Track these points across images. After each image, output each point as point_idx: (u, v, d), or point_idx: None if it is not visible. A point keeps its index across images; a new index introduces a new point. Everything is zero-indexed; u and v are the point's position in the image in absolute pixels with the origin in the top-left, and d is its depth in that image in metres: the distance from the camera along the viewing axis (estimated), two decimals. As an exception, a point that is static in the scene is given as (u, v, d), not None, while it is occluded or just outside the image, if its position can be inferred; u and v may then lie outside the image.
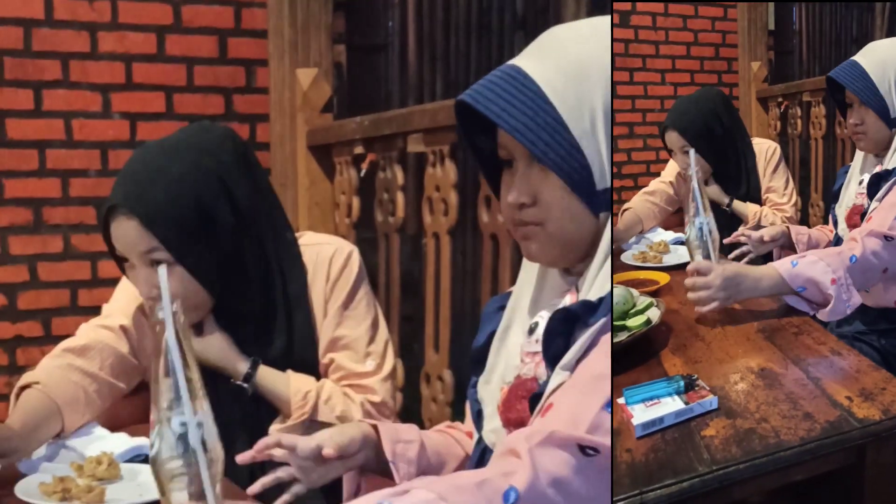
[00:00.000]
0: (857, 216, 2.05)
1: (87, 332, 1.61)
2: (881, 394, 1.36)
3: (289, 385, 1.48)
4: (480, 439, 1.09)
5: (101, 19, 2.95)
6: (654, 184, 3.05)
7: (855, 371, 1.47)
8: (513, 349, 1.07)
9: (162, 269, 1.02)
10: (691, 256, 1.80)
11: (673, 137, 2.77)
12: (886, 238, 1.82)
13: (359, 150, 2.63)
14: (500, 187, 1.06)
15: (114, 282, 3.02)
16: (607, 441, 0.88)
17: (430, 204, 2.28)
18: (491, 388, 1.08)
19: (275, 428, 1.48)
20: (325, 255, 1.54)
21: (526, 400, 0.99)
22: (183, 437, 0.97)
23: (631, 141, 4.76)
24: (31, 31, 2.88)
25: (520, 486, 0.85)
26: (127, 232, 1.42)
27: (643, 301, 1.72)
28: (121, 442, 1.45)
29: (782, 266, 1.76)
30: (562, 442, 0.88)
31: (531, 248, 1.03)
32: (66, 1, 2.90)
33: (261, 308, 1.50)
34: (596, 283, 0.97)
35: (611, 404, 0.90)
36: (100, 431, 1.51)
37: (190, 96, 3.07)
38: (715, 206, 2.84)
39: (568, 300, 1.02)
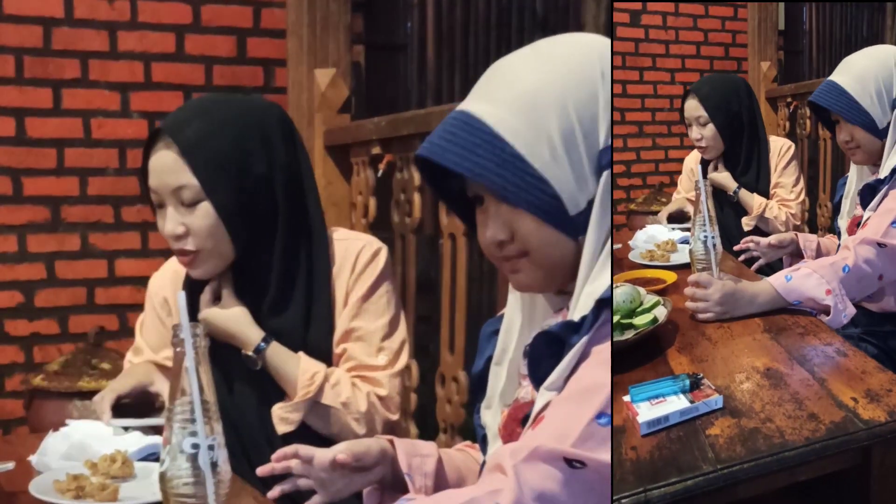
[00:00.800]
0: (856, 226, 2.06)
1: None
2: (887, 395, 1.36)
3: (298, 365, 1.49)
4: (485, 463, 1.09)
5: (121, 18, 2.98)
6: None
7: (861, 372, 1.47)
8: (511, 372, 1.06)
9: (181, 295, 1.05)
10: (692, 267, 1.83)
11: (692, 105, 2.80)
12: (879, 245, 1.82)
13: (376, 150, 2.64)
14: (476, 224, 1.05)
15: (130, 280, 3.10)
16: (596, 454, 0.87)
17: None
18: (492, 413, 1.09)
19: (277, 407, 1.49)
20: (354, 248, 1.56)
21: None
22: (193, 458, 0.99)
23: (640, 140, 4.78)
24: (51, 30, 2.91)
25: (505, 503, 0.86)
26: (164, 162, 1.43)
27: (650, 300, 1.73)
28: (135, 440, 1.46)
29: (776, 281, 1.77)
30: (546, 456, 0.87)
31: (520, 280, 1.02)
32: (86, 0, 2.94)
33: (281, 282, 1.51)
34: (580, 302, 0.96)
35: (604, 415, 0.88)
36: (114, 429, 1.51)
37: (217, 94, 3.09)
38: (720, 193, 2.87)
39: (560, 320, 1.02)
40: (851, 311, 1.76)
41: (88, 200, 2.99)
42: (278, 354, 1.49)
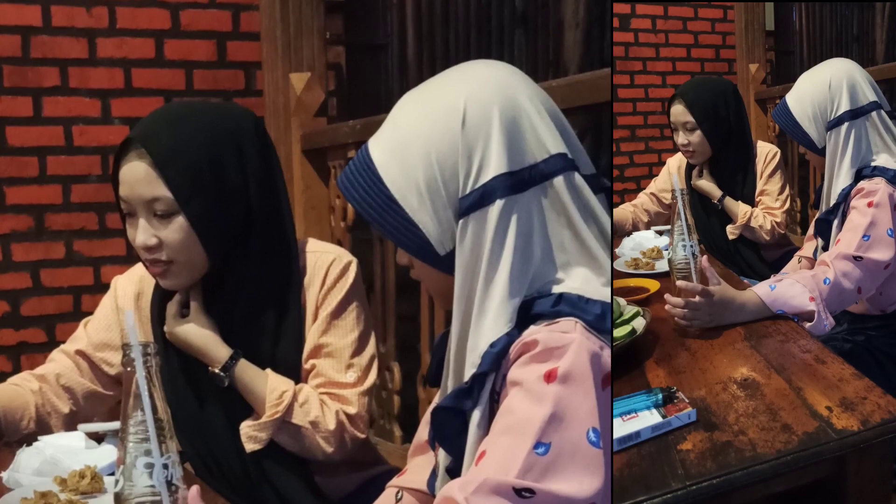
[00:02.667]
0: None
1: (54, 357, 1.66)
2: (862, 403, 1.36)
3: (266, 383, 1.47)
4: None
5: (99, 25, 2.97)
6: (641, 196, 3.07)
7: (838, 380, 1.47)
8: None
9: (129, 314, 1.04)
10: (672, 276, 1.83)
11: (679, 110, 2.77)
12: (855, 258, 1.86)
13: (352, 153, 2.64)
14: None
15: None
16: (542, 483, 0.87)
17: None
18: None
19: (246, 425, 1.48)
20: (324, 261, 1.54)
21: None
22: (148, 478, 0.99)
23: (633, 144, 4.76)
24: (30, 39, 2.89)
25: None
26: (136, 173, 1.40)
27: (629, 310, 1.72)
28: (106, 455, 1.44)
29: (761, 290, 1.79)
30: (495, 488, 0.87)
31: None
32: (64, 8, 2.92)
33: (253, 295, 1.49)
34: (467, 359, 0.97)
35: (541, 445, 0.88)
36: (87, 443, 1.50)
37: (189, 100, 3.09)
38: (707, 200, 2.85)
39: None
40: (832, 321, 1.78)
41: (72, 208, 2.97)
42: (246, 372, 1.48)
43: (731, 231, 2.84)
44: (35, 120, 2.92)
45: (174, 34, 3.06)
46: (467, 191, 0.95)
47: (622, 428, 1.25)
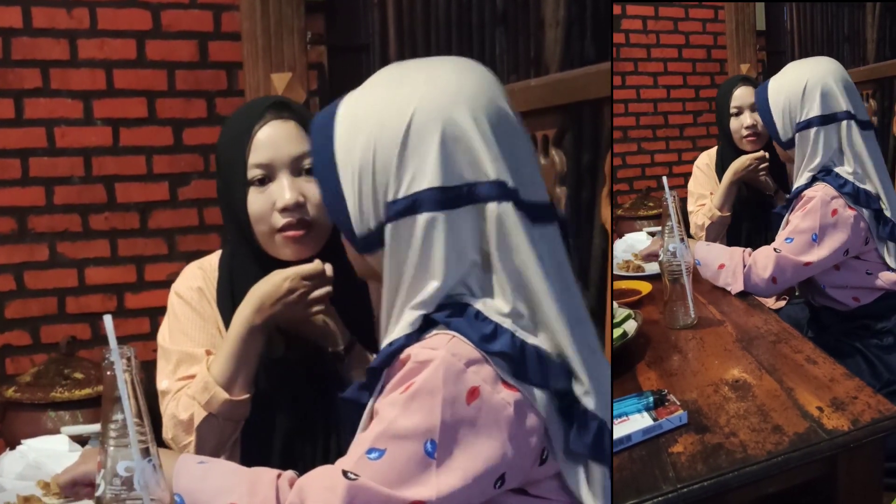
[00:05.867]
0: None
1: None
2: (852, 403, 1.36)
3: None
4: None
5: (81, 27, 2.94)
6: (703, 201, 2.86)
7: (829, 380, 1.47)
8: None
9: (108, 318, 1.03)
10: (663, 278, 1.83)
11: (745, 91, 2.65)
12: (775, 250, 2.02)
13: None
14: None
15: (100, 288, 3.05)
16: (363, 473, 0.93)
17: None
18: None
19: None
20: None
21: None
22: (129, 481, 0.98)
23: (626, 145, 4.75)
24: (10, 41, 2.87)
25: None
26: (281, 132, 1.40)
27: (621, 313, 1.71)
28: (88, 458, 1.43)
29: (701, 245, 2.16)
30: (326, 472, 0.97)
31: None
32: (45, 9, 2.90)
33: (347, 288, 1.41)
34: (380, 352, 1.00)
35: (374, 450, 0.93)
36: (67, 447, 1.49)
37: (172, 101, 3.07)
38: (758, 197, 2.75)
39: None
40: (739, 287, 2.03)
41: (55, 210, 2.94)
42: (362, 353, 1.42)
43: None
44: (17, 122, 2.89)
45: (155, 35, 3.04)
46: (399, 196, 0.97)
47: (613, 431, 1.23)
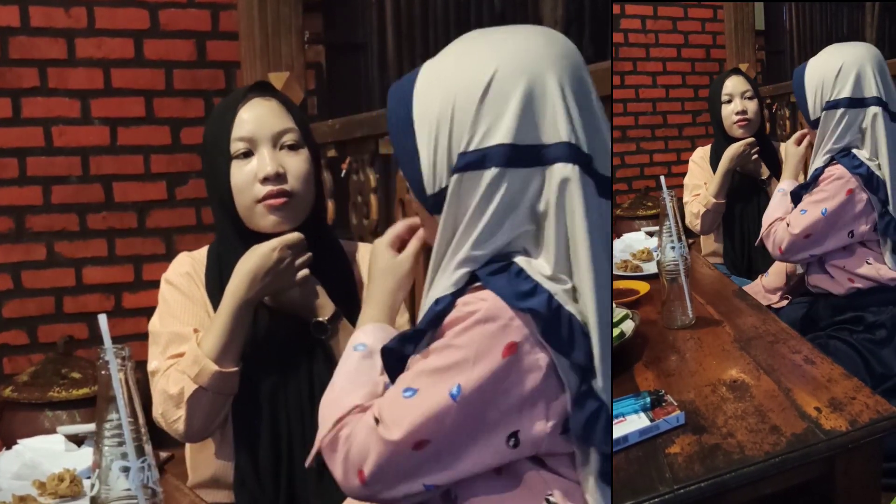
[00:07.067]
0: None
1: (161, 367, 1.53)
2: (850, 403, 1.35)
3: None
4: None
5: (78, 26, 2.94)
6: (698, 191, 2.93)
7: (826, 380, 1.46)
8: None
9: (102, 318, 1.03)
10: (661, 278, 1.82)
11: (737, 80, 2.80)
12: (785, 222, 2.09)
13: (331, 153, 2.63)
14: None
15: (97, 288, 3.05)
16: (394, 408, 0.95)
17: (402, 206, 2.27)
18: None
19: None
20: (365, 249, 1.57)
21: None
22: (125, 481, 0.98)
23: (624, 144, 4.75)
24: (8, 40, 2.87)
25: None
26: (265, 109, 1.47)
27: (618, 313, 1.71)
28: (84, 458, 1.41)
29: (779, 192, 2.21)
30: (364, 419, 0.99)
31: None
32: (43, 8, 2.90)
33: (327, 265, 1.49)
34: (424, 307, 1.01)
35: (409, 389, 0.95)
36: (63, 447, 1.48)
37: (169, 100, 3.07)
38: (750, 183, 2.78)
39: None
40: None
41: (52, 209, 2.94)
42: (346, 327, 1.45)
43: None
44: (14, 121, 2.89)
45: (153, 34, 3.04)
46: (470, 148, 0.96)
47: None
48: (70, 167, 2.96)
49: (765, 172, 2.79)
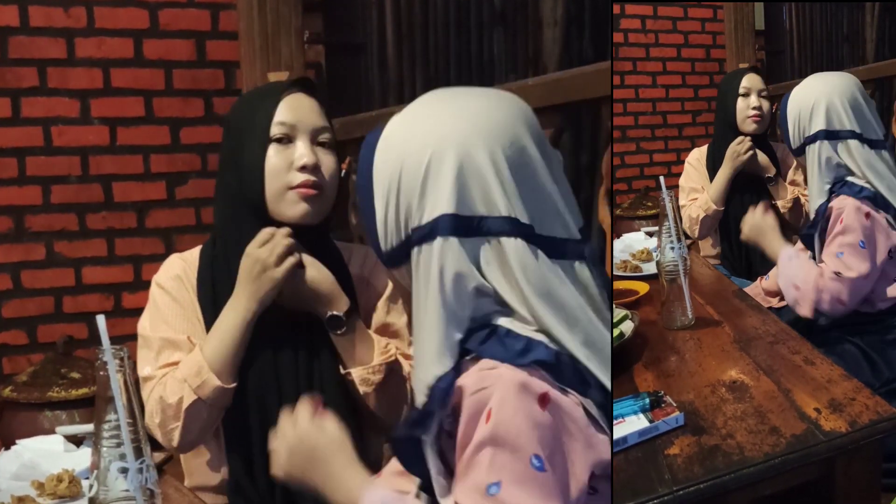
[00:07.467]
0: None
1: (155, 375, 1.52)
2: (850, 404, 1.35)
3: (370, 334, 1.48)
4: None
5: (78, 25, 2.93)
6: (695, 195, 2.91)
7: (826, 381, 1.46)
8: None
9: (100, 318, 1.03)
10: (660, 278, 1.82)
11: (756, 78, 2.80)
12: (836, 274, 1.95)
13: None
14: None
15: (97, 288, 3.05)
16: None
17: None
18: None
19: (360, 369, 1.44)
20: (361, 251, 1.59)
21: None
22: (123, 482, 0.99)
23: (624, 144, 4.74)
24: (7, 39, 2.86)
25: None
26: (306, 104, 1.49)
27: (618, 314, 1.71)
28: (83, 458, 1.42)
29: (787, 250, 2.08)
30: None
31: None
32: (42, 8, 2.88)
33: (337, 266, 1.50)
34: (417, 390, 1.00)
35: (494, 485, 0.91)
36: (62, 447, 1.48)
37: (169, 100, 3.06)
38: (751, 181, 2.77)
39: None
40: (807, 314, 1.97)
41: (52, 209, 2.93)
42: (359, 321, 1.47)
43: (783, 205, 2.79)
44: (14, 121, 2.87)
45: (153, 34, 3.03)
46: (422, 222, 1.00)
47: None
48: (70, 167, 2.95)
49: (771, 169, 2.78)
